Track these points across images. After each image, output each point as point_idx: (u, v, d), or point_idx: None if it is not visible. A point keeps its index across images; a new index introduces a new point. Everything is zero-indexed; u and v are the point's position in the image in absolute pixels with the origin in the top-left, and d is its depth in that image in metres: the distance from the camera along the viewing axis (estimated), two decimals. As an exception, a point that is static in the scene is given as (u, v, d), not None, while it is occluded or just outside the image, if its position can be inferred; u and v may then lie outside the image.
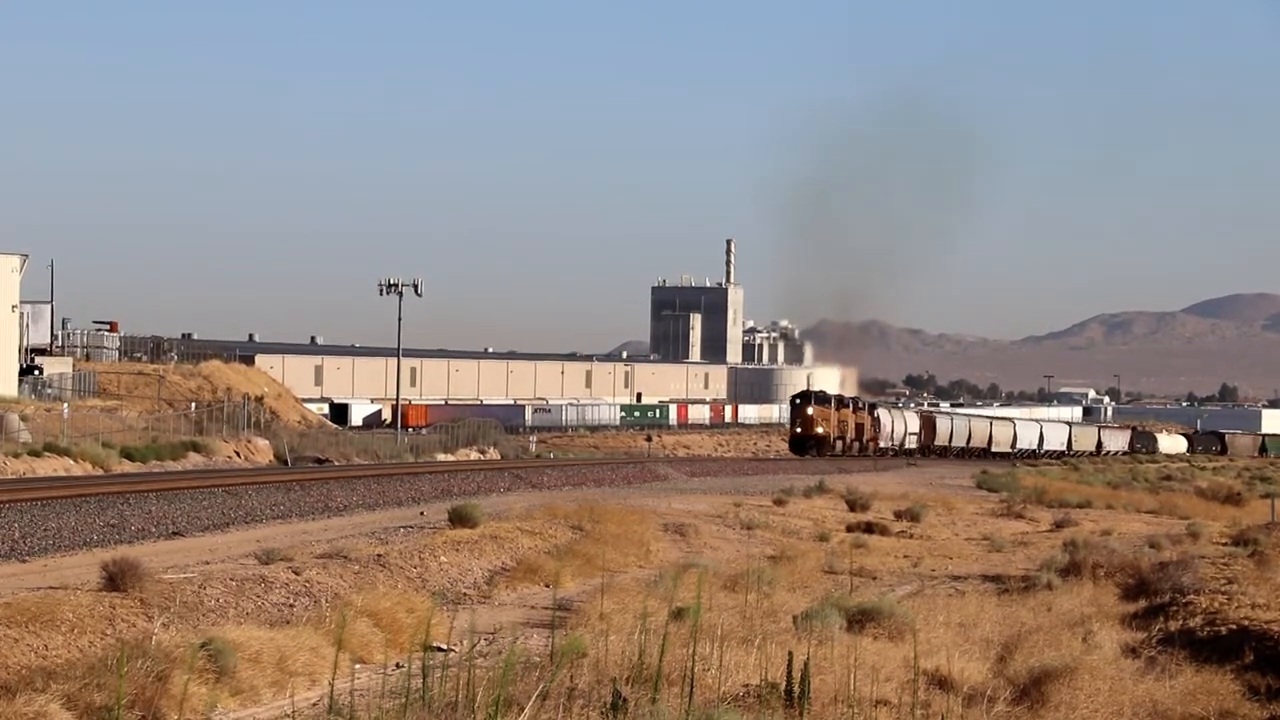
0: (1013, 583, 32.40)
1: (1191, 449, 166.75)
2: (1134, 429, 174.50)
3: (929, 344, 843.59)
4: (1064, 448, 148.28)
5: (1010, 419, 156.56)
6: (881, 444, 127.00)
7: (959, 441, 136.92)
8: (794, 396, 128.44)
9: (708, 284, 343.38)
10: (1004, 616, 26.84)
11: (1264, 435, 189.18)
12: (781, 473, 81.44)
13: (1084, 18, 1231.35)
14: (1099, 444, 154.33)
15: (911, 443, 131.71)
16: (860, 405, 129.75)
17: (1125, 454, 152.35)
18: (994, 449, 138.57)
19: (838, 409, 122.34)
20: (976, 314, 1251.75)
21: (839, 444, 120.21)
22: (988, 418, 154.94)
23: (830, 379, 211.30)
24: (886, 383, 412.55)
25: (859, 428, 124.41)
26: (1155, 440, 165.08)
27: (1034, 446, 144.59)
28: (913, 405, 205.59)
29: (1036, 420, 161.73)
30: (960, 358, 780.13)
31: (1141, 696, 20.28)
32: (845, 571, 32.72)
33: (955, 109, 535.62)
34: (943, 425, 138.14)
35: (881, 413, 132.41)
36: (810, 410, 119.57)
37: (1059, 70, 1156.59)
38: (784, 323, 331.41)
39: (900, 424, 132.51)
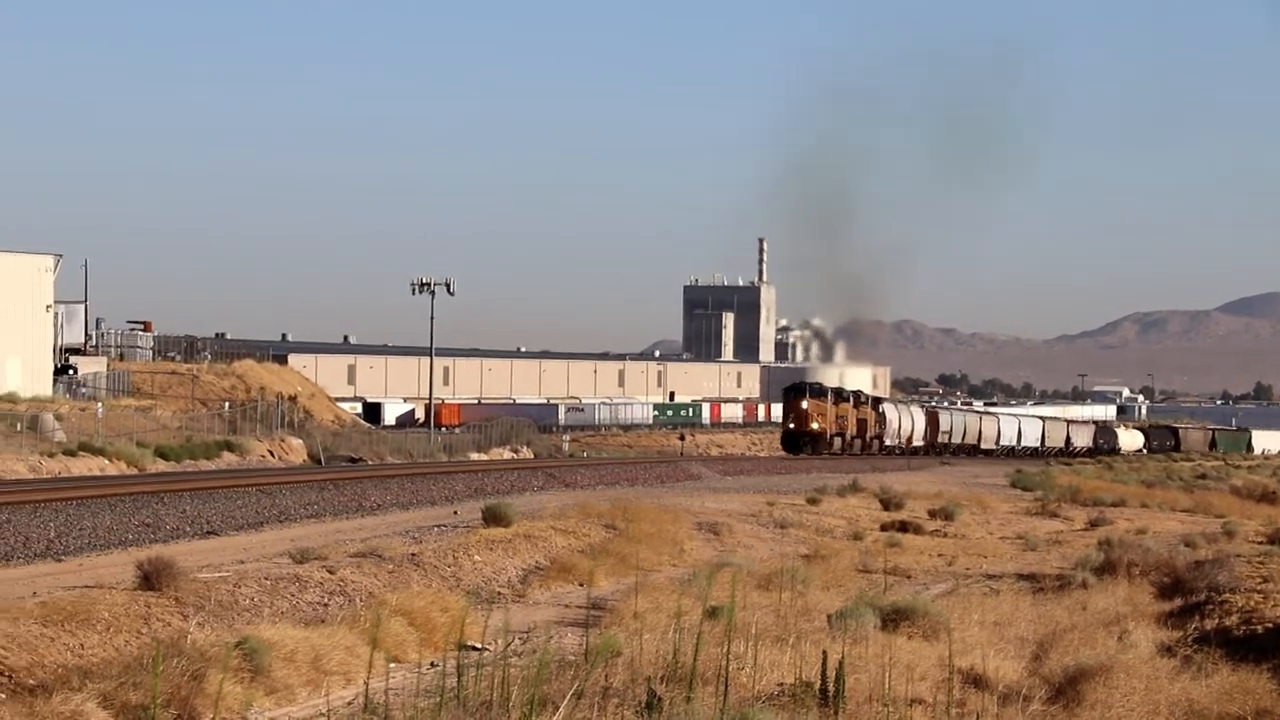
0: (1047, 581, 32.28)
1: (1147, 444, 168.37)
2: (1096, 425, 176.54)
3: (962, 343, 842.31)
4: (1038, 444, 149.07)
5: (995, 415, 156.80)
6: (887, 441, 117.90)
7: (957, 438, 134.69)
8: (786, 389, 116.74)
9: (740, 283, 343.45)
10: (1039, 615, 26.75)
11: (1214, 430, 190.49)
12: (815, 471, 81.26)
13: (1123, 17, 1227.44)
14: (1067, 440, 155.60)
15: (919, 440, 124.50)
16: (863, 399, 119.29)
17: (1089, 449, 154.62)
18: (983, 445, 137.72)
19: (836, 403, 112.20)
20: (1010, 313, 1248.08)
21: (837, 441, 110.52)
22: (979, 414, 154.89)
23: (862, 378, 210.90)
24: (920, 382, 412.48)
25: (861, 423, 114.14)
26: (1116, 436, 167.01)
27: (1013, 443, 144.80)
28: (911, 401, 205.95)
29: (1015, 416, 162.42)
30: (993, 357, 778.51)
31: (1177, 695, 20.19)
32: (879, 570, 32.64)
33: (990, 104, 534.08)
34: (944, 421, 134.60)
35: (887, 408, 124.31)
36: (804, 404, 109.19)
37: (1094, 70, 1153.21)
38: (816, 321, 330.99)
39: (907, 420, 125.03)
